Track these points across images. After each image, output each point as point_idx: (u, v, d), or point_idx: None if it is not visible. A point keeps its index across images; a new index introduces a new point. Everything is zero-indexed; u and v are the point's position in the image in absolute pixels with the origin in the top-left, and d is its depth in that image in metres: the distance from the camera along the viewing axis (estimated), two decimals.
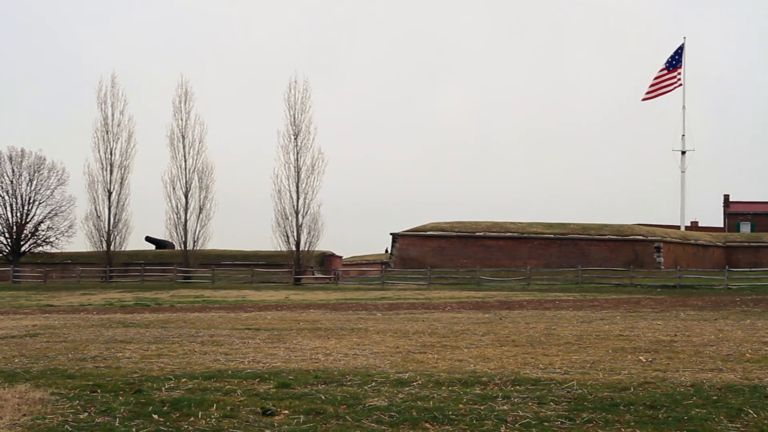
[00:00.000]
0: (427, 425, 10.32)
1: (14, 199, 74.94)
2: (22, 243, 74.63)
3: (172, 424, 10.43)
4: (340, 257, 76.96)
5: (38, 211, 75.67)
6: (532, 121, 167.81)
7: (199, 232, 69.18)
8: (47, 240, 75.64)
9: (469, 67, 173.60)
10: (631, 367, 14.79)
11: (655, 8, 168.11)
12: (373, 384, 13.01)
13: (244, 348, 18.58)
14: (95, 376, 14.19)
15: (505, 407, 11.19)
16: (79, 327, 25.23)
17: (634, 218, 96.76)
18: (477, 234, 70.04)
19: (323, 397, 11.95)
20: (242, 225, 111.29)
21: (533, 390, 12.42)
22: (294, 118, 66.50)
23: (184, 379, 13.58)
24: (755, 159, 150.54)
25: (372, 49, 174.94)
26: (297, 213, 65.33)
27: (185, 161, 69.62)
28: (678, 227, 78.69)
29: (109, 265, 69.10)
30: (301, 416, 10.78)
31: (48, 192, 75.61)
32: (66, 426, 10.36)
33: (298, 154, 66.01)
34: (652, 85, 77.66)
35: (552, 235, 69.25)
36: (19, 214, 74.65)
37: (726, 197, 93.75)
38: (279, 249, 66.44)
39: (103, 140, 70.40)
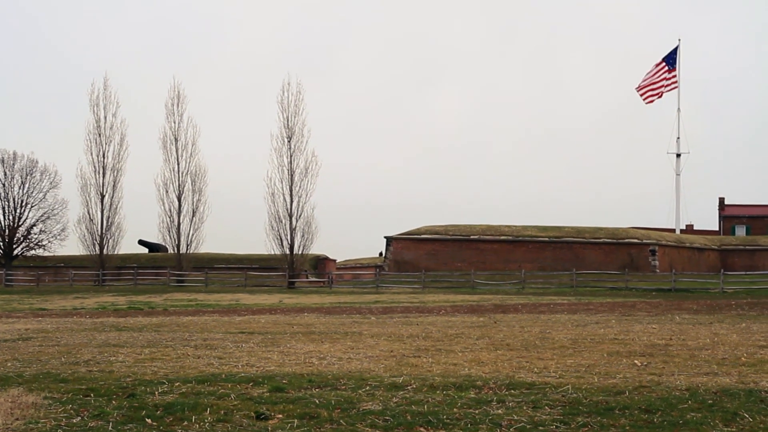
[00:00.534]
0: (422, 429, 10.27)
1: (6, 203, 74.79)
2: (14, 246, 74.41)
3: (165, 429, 10.37)
4: (334, 261, 76.97)
5: (31, 215, 75.54)
6: (527, 123, 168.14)
7: (193, 235, 69.31)
8: (40, 243, 75.45)
9: (463, 70, 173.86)
10: (626, 371, 14.75)
11: (650, 10, 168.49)
12: (368, 388, 12.96)
13: (237, 352, 18.52)
14: (88, 380, 14.12)
15: (499, 411, 11.15)
16: (72, 331, 25.15)
17: (629, 221, 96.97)
18: (471, 237, 70.04)
19: (317, 401, 11.90)
20: (236, 228, 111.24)
21: (528, 394, 12.37)
22: (287, 120, 66.62)
23: (177, 383, 13.51)
24: (750, 162, 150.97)
25: (366, 52, 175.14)
26: (291, 216, 65.40)
27: (178, 164, 69.74)
28: (673, 230, 78.74)
29: (102, 269, 69.00)
30: (295, 420, 10.72)
31: (40, 195, 75.48)
32: (59, 430, 10.31)
33: (291, 156, 66.14)
34: (652, 84, 77.42)
35: (547, 239, 69.27)
36: (11, 218, 74.48)
37: (721, 200, 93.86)
38: (273, 252, 66.44)
39: (96, 143, 70.53)
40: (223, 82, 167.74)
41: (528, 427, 10.32)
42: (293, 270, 65.06)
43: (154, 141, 78.66)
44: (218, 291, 58.50)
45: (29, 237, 75.33)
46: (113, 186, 70.12)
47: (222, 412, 11.20)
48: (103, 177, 70.07)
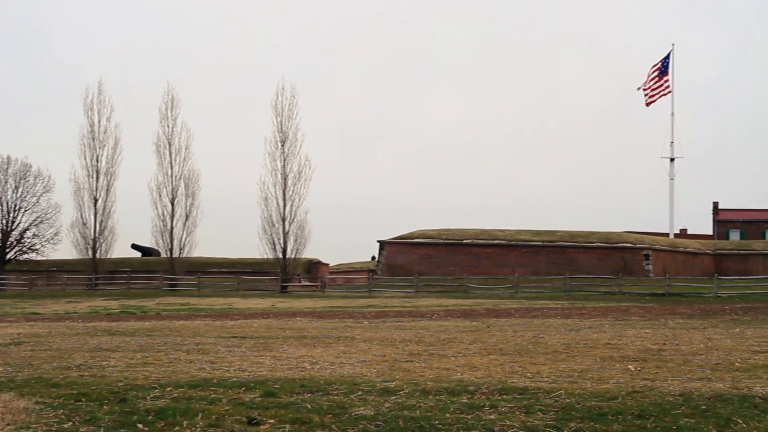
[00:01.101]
0: None
1: (0, 207, 74.59)
2: (7, 250, 74.20)
3: None
4: (327, 265, 76.82)
5: (24, 219, 75.23)
6: (520, 127, 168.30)
7: (186, 239, 69.14)
8: (33, 247, 75.22)
9: (456, 74, 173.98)
10: (620, 376, 14.73)
11: (644, 15, 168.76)
12: (360, 393, 12.93)
13: (229, 356, 18.48)
14: (80, 384, 14.08)
15: (492, 416, 11.12)
16: (64, 335, 25.10)
17: (623, 226, 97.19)
18: (464, 241, 70.05)
19: (309, 406, 11.86)
20: (229, 232, 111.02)
21: (520, 399, 12.35)
22: (281, 125, 66.50)
23: (169, 388, 13.48)
24: (745, 166, 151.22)
25: (360, 56, 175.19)
26: (284, 220, 65.28)
27: (171, 168, 69.59)
28: (667, 235, 78.81)
29: (94, 273, 68.86)
30: (287, 425, 10.69)
31: (34, 199, 75.17)
32: None
33: (285, 161, 66.02)
34: (648, 87, 77.67)
35: (540, 243, 69.29)
36: (4, 222, 74.19)
37: (715, 204, 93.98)
38: (265, 256, 66.32)
39: (90, 147, 70.40)
40: (217, 87, 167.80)
41: None
42: (286, 274, 64.98)
43: (148, 145, 78.30)
44: (211, 295, 58.41)
45: (22, 241, 75.12)
46: (107, 190, 70.05)
47: (214, 417, 11.16)
48: (97, 181, 69.98)
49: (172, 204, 69.03)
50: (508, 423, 10.72)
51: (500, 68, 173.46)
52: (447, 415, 11.22)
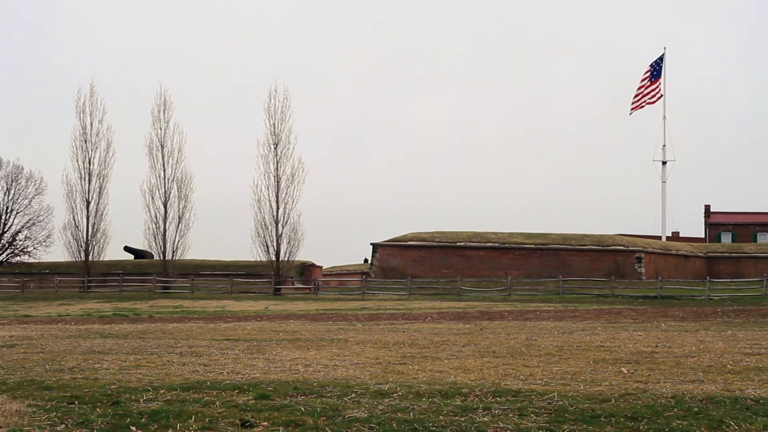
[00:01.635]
0: None
1: None
2: None
3: None
4: (321, 267, 76.81)
5: (16, 221, 75.26)
6: (513, 130, 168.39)
7: (178, 241, 69.15)
8: (25, 250, 75.16)
9: (450, 77, 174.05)
10: (612, 379, 14.76)
11: (636, 18, 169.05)
12: (353, 395, 12.94)
13: (223, 359, 18.48)
14: (73, 387, 14.06)
15: (485, 419, 11.14)
16: (57, 338, 25.06)
17: (615, 228, 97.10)
18: (458, 244, 70.05)
19: (302, 408, 11.86)
20: (222, 235, 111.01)
21: (514, 401, 12.36)
22: (274, 127, 66.54)
23: (162, 391, 13.47)
24: (736, 169, 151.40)
25: (353, 57, 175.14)
26: (277, 223, 65.27)
27: (164, 170, 69.60)
28: (659, 237, 78.89)
29: (87, 276, 68.75)
30: (281, 428, 10.70)
31: (26, 201, 75.20)
32: None
33: (278, 163, 66.03)
34: (636, 95, 77.96)
35: (533, 246, 69.32)
36: None
37: (707, 207, 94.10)
38: (259, 259, 66.31)
39: (82, 149, 70.33)
40: (210, 89, 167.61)
41: None
42: (279, 277, 64.96)
43: (141, 147, 78.33)
44: (204, 298, 58.34)
45: (14, 243, 75.06)
46: (99, 192, 69.98)
47: (207, 419, 11.16)
48: (89, 183, 69.91)
49: (165, 206, 69.05)
50: (501, 425, 10.74)
51: (493, 71, 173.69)
52: (440, 417, 11.23)
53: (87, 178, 69.86)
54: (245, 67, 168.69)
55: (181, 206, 69.25)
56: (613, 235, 73.94)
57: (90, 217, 69.73)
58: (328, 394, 13.05)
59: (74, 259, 70.15)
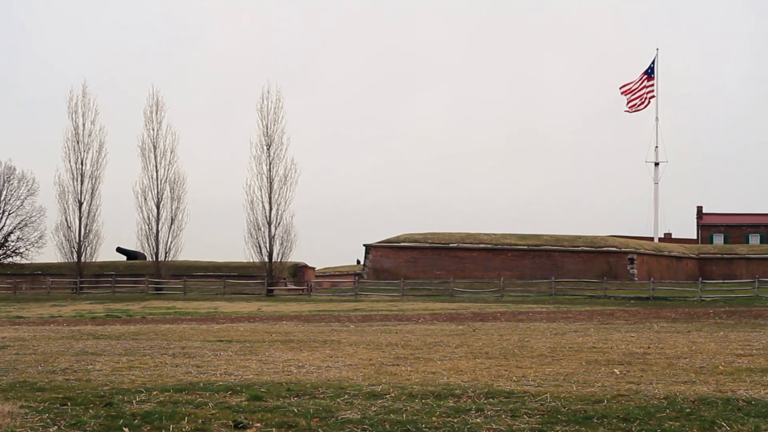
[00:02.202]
0: None
1: None
2: None
3: None
4: (313, 268, 76.72)
5: (8, 222, 74.94)
6: (506, 131, 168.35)
7: (171, 242, 69.00)
8: (17, 251, 74.90)
9: (442, 78, 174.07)
10: (605, 380, 14.79)
11: (630, 19, 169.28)
12: (346, 397, 12.94)
13: (216, 360, 18.47)
14: (65, 388, 14.05)
15: (478, 420, 11.15)
16: (49, 339, 25.03)
17: (608, 230, 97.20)
18: (450, 245, 70.07)
19: (295, 409, 11.86)
20: (214, 236, 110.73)
21: (506, 403, 12.38)
22: (267, 128, 66.53)
23: (155, 392, 13.46)
24: (728, 171, 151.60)
25: (345, 58, 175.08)
26: (269, 224, 65.25)
27: (157, 171, 69.47)
28: (651, 239, 78.99)
29: (79, 277, 68.61)
30: (273, 429, 10.70)
31: (18, 202, 74.87)
32: None
33: (270, 164, 66.03)
34: (632, 94, 77.88)
35: (525, 247, 69.39)
36: None
37: (699, 209, 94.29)
38: (251, 260, 66.27)
39: (74, 150, 70.16)
40: (203, 90, 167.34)
41: None
42: (272, 278, 64.92)
43: (133, 148, 78.19)
44: (197, 299, 58.28)
45: (6, 245, 74.81)
46: (91, 193, 69.80)
47: (200, 421, 11.15)
48: (81, 184, 69.75)
49: (158, 207, 68.93)
50: (494, 426, 10.75)
51: (486, 71, 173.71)
52: (433, 418, 11.24)
53: (79, 179, 69.74)
54: (238, 68, 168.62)
55: (173, 207, 69.19)
56: (606, 236, 74.09)
57: (82, 218, 69.58)
58: (321, 396, 13.06)
59: (66, 260, 69.99)
